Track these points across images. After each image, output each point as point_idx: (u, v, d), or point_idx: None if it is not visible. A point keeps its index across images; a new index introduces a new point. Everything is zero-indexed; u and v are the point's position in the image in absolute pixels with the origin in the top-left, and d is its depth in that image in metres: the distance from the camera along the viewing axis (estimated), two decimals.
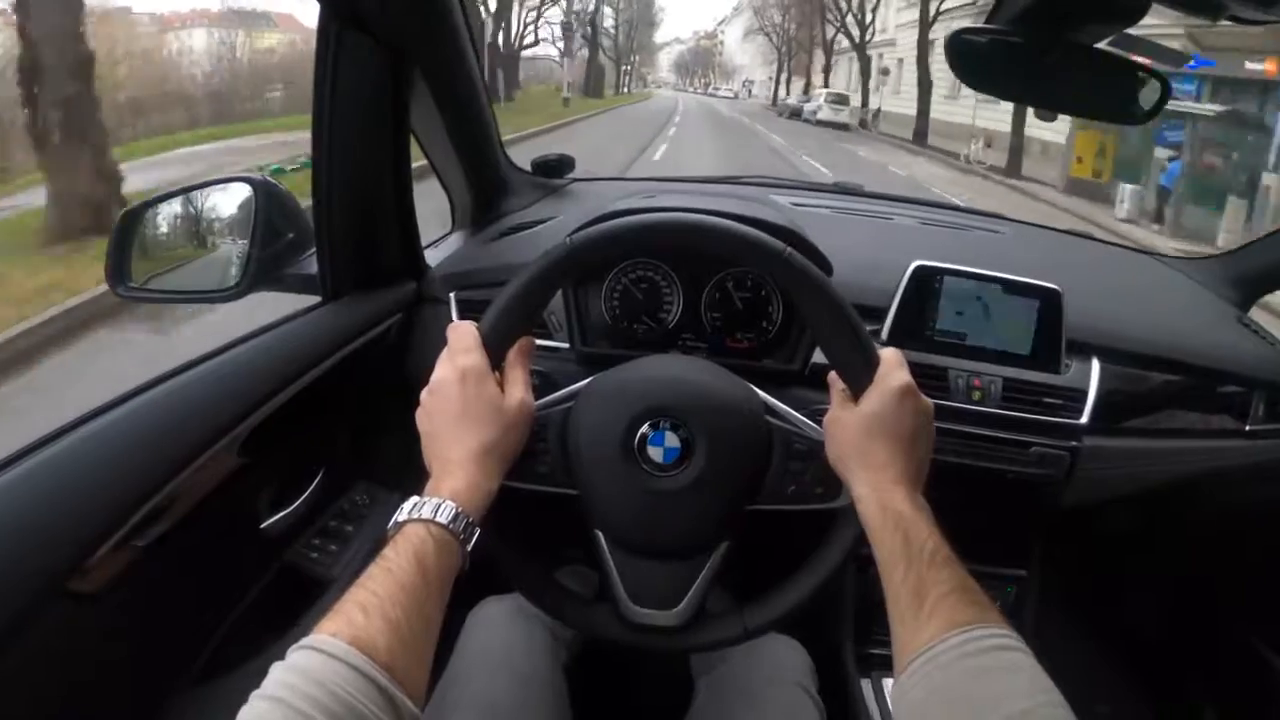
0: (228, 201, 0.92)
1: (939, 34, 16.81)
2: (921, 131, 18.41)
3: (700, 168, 10.70)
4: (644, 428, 0.61)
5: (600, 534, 0.63)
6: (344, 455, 1.00)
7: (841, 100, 25.15)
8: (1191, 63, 9.40)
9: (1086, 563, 1.29)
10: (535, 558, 0.64)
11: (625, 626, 0.62)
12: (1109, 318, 1.00)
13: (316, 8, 0.81)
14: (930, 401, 0.59)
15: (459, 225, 1.23)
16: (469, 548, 0.52)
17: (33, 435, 0.60)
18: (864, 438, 0.57)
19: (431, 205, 1.19)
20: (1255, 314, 1.18)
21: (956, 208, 1.75)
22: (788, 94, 42.81)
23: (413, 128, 0.96)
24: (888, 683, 1.04)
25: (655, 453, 0.60)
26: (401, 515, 0.52)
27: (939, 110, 18.15)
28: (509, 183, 1.25)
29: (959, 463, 0.92)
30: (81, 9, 5.28)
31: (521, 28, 26.02)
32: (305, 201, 0.92)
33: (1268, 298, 1.23)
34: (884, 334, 0.95)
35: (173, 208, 0.93)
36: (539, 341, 0.89)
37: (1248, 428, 1.00)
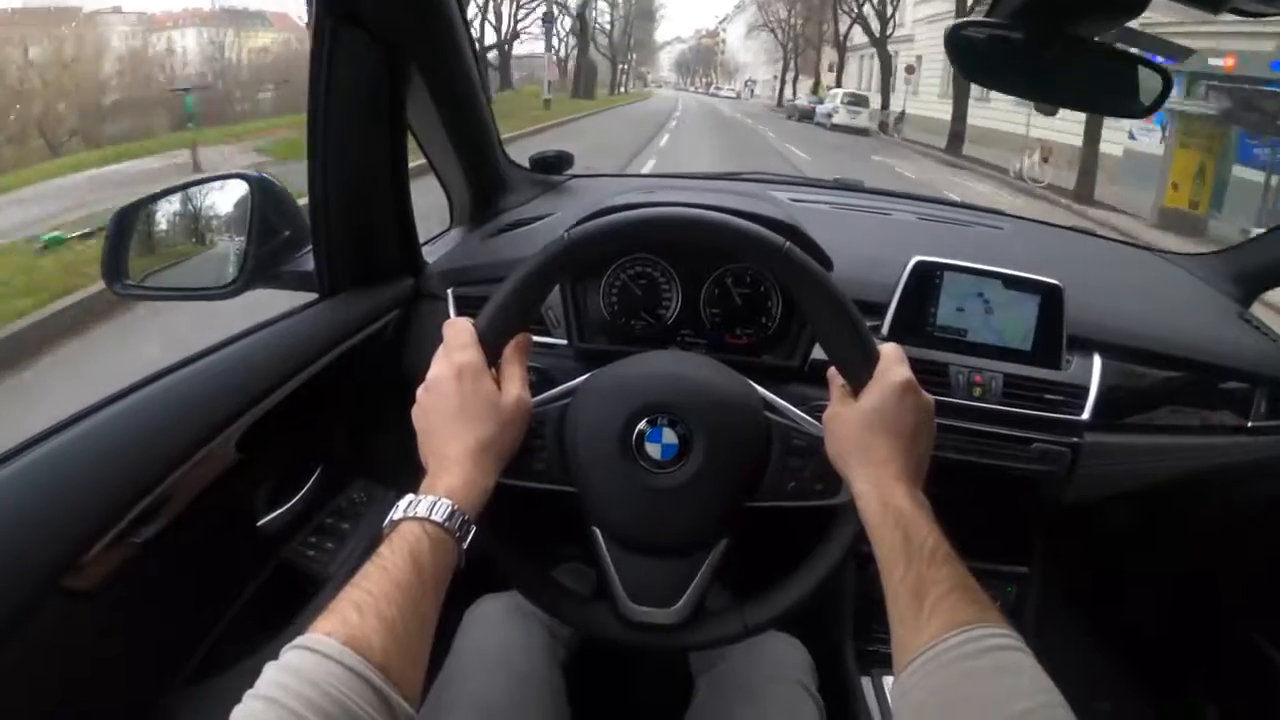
0: (224, 198, 0.92)
1: None
2: (957, 136, 15.70)
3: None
4: (642, 424, 0.60)
5: (598, 531, 0.62)
6: (341, 452, 0.99)
7: (860, 101, 21.70)
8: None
9: (1088, 559, 1.29)
10: (532, 555, 0.64)
11: (624, 624, 0.62)
12: (1110, 313, 1.00)
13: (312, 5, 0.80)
14: (931, 397, 0.59)
15: (457, 221, 1.22)
16: (465, 546, 0.52)
17: None
18: (864, 434, 0.57)
19: (430, 201, 1.19)
20: (1257, 310, 1.17)
21: (956, 203, 1.75)
22: (794, 94, 39.86)
23: (410, 124, 0.96)
24: (888, 680, 1.04)
25: (653, 449, 0.60)
26: (397, 513, 0.51)
27: (973, 115, 15.64)
28: (507, 179, 1.25)
29: (960, 459, 0.92)
30: None
31: (513, 23, 24.79)
32: (303, 201, 0.91)
33: (1269, 294, 1.22)
34: (884, 329, 0.94)
35: (169, 205, 0.92)
36: (536, 338, 0.89)
37: (1249, 424, 0.99)
